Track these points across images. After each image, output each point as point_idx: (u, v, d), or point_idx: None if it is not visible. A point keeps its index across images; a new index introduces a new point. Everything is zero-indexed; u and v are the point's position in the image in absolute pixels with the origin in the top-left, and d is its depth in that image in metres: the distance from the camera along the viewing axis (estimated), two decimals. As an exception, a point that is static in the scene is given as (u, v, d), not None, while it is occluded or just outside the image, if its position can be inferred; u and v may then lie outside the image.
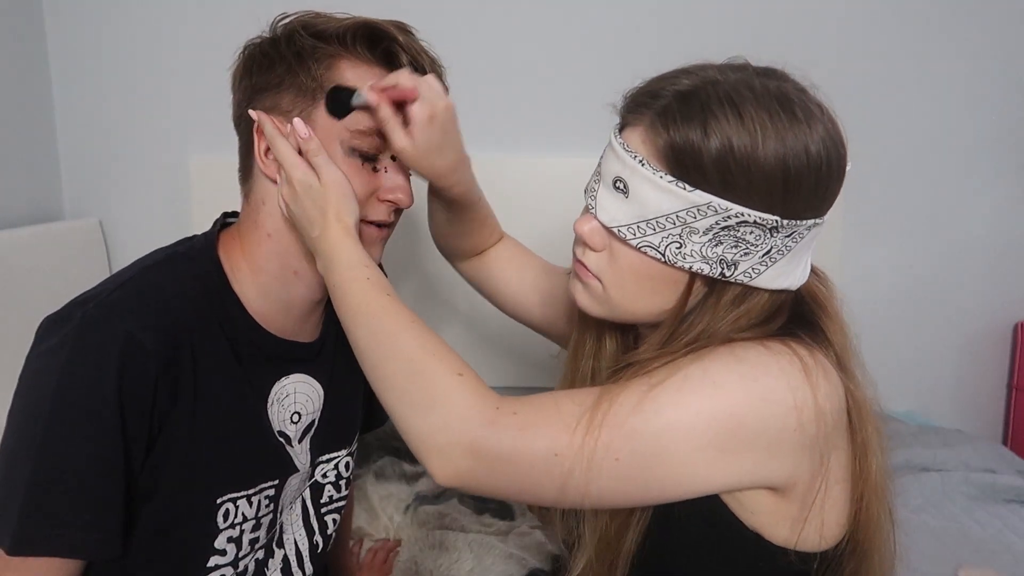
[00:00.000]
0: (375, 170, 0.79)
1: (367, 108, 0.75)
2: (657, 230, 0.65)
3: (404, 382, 0.66)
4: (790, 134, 0.62)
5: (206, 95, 1.69)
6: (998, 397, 1.91)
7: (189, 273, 0.77)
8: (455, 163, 0.82)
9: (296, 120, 0.75)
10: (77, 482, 0.67)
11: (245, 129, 0.79)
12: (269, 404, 0.82)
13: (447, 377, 0.65)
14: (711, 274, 0.66)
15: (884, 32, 1.71)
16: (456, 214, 0.92)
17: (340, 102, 0.75)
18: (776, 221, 0.64)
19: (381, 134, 0.77)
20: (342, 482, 0.93)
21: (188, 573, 0.77)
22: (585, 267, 0.72)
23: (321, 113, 0.76)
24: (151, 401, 0.70)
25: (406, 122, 0.76)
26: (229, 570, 0.79)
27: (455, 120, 0.80)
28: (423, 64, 0.80)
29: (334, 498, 0.93)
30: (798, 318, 0.71)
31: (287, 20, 0.78)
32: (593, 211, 0.70)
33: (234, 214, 0.87)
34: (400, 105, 0.76)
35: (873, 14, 1.70)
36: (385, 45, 0.78)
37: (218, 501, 0.77)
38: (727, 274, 0.66)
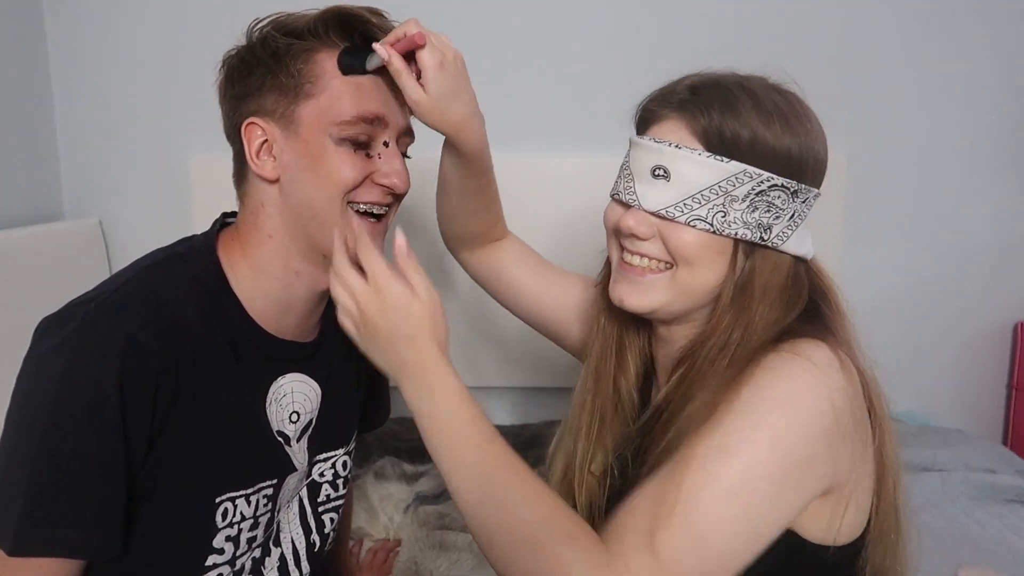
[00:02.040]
0: (368, 156, 0.78)
1: (381, 68, 0.76)
2: (702, 203, 0.71)
3: (515, 551, 0.64)
4: (797, 110, 0.73)
5: (206, 95, 1.66)
6: (998, 397, 1.91)
7: (188, 273, 0.77)
8: (470, 114, 0.84)
9: (398, 239, 0.72)
10: (78, 482, 0.67)
11: (236, 138, 0.79)
12: (267, 404, 0.82)
13: (558, 544, 0.63)
14: (752, 239, 0.72)
15: (884, 32, 1.71)
16: (470, 177, 0.91)
17: (352, 66, 0.76)
18: (796, 185, 0.72)
19: (368, 120, 0.76)
20: (339, 481, 0.94)
21: (187, 572, 0.77)
22: (636, 266, 0.76)
23: (307, 108, 0.76)
24: (152, 401, 0.69)
25: (418, 76, 0.77)
26: (226, 568, 0.79)
27: (465, 71, 0.81)
28: None
29: (331, 497, 0.93)
30: (809, 311, 0.75)
31: (261, 24, 0.78)
32: (636, 204, 0.74)
33: (233, 214, 0.87)
34: (410, 58, 0.77)
35: (873, 14, 1.70)
36: (360, 30, 0.78)
37: (217, 500, 0.77)
38: (764, 238, 0.72)
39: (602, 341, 0.86)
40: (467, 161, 0.89)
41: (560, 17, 1.69)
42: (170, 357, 0.71)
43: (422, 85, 0.77)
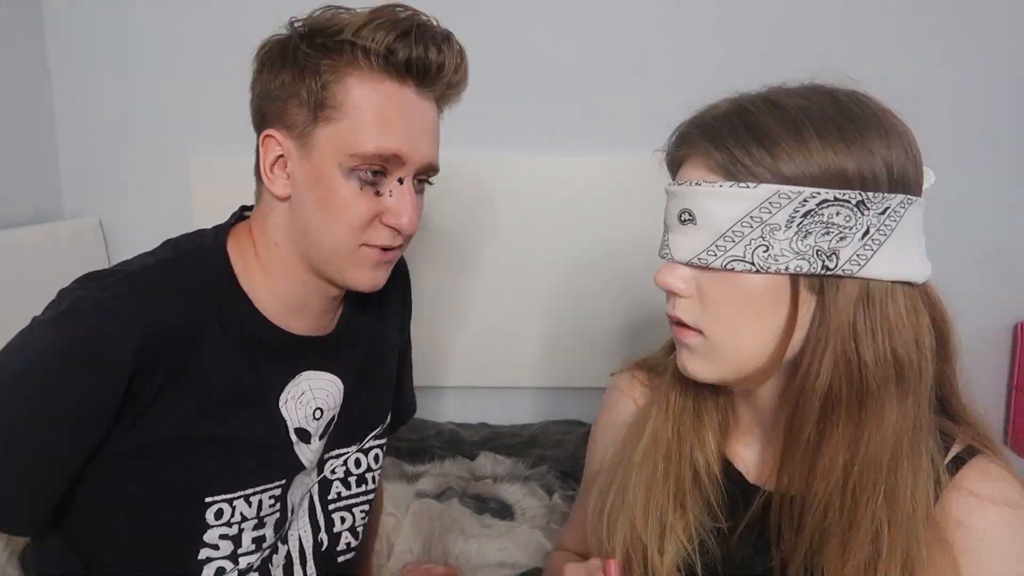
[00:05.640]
0: (378, 193, 0.74)
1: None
2: (737, 240, 0.61)
3: None
4: (847, 110, 0.63)
5: (206, 95, 1.68)
6: (998, 397, 1.91)
7: (194, 271, 0.76)
8: None
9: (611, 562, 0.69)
10: (9, 460, 0.69)
11: (257, 131, 0.78)
12: (282, 403, 0.81)
13: None
14: (812, 270, 0.60)
15: (881, 33, 1.71)
16: None
17: None
18: (859, 195, 0.60)
19: (384, 157, 0.72)
20: (351, 479, 0.92)
21: (178, 562, 0.76)
22: (685, 326, 0.67)
23: (324, 131, 0.72)
24: (114, 399, 0.69)
25: None
26: (228, 563, 0.78)
27: None
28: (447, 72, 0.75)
29: (342, 495, 0.91)
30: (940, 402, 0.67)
31: (300, 22, 0.75)
32: (669, 258, 0.66)
33: (252, 207, 0.83)
34: None
35: (871, 14, 1.70)
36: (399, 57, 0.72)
37: (207, 500, 0.76)
38: (830, 266, 0.60)
39: (674, 418, 0.75)
40: None
41: (560, 17, 1.69)
42: (149, 358, 0.70)
43: None
